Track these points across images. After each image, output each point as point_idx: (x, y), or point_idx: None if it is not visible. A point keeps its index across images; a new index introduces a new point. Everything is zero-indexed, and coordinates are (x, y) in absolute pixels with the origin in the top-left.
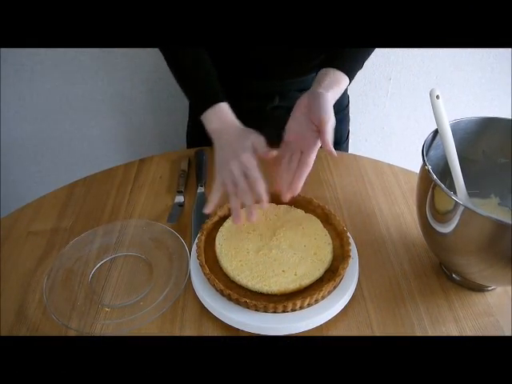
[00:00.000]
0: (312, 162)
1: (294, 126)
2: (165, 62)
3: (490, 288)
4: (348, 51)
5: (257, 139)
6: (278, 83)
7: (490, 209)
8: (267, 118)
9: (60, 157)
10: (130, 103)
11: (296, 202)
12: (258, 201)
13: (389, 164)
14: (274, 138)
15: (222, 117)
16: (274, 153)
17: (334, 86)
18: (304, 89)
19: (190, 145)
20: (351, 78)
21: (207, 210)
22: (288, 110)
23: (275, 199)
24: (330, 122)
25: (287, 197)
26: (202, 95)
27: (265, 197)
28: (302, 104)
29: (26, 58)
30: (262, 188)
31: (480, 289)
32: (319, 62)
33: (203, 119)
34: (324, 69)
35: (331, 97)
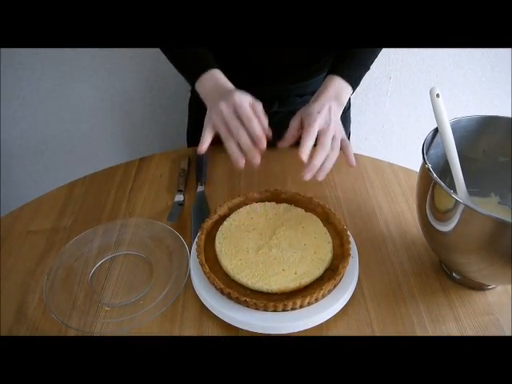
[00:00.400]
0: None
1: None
2: (164, 62)
3: (490, 287)
4: (354, 57)
5: (254, 100)
6: (278, 88)
7: (490, 207)
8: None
9: (60, 156)
10: (130, 102)
11: (296, 201)
12: (255, 141)
13: (389, 163)
14: (274, 143)
15: (215, 80)
16: (260, 106)
17: (336, 98)
18: (303, 94)
19: (190, 144)
20: (354, 86)
21: (200, 149)
22: (287, 115)
23: (275, 198)
24: (346, 141)
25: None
26: (194, 64)
27: (262, 135)
28: (296, 120)
29: (26, 58)
30: (256, 125)
31: (480, 287)
32: (319, 67)
33: (197, 88)
34: (328, 76)
35: (333, 107)
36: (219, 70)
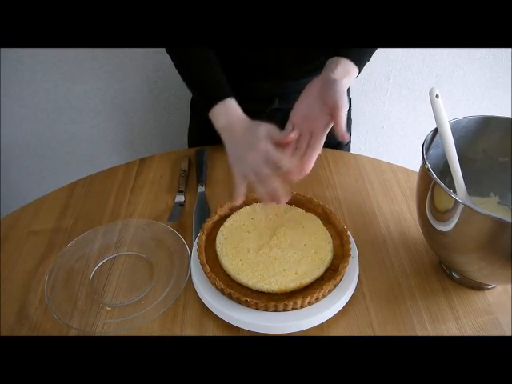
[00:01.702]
0: (321, 145)
1: (304, 108)
2: (165, 62)
3: (489, 286)
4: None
5: (269, 127)
6: (278, 85)
7: (490, 207)
8: (267, 120)
9: (60, 157)
10: (131, 103)
11: (296, 201)
12: (287, 176)
13: (388, 163)
14: None
15: (230, 112)
16: (292, 135)
17: (345, 76)
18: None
19: (191, 144)
20: (360, 68)
21: (237, 201)
22: (288, 113)
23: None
24: (345, 108)
25: (297, 177)
26: (208, 92)
27: (293, 169)
28: (314, 88)
29: (26, 58)
30: (288, 162)
31: (480, 287)
32: (320, 63)
33: (211, 116)
34: (334, 57)
35: (345, 84)
36: (233, 99)
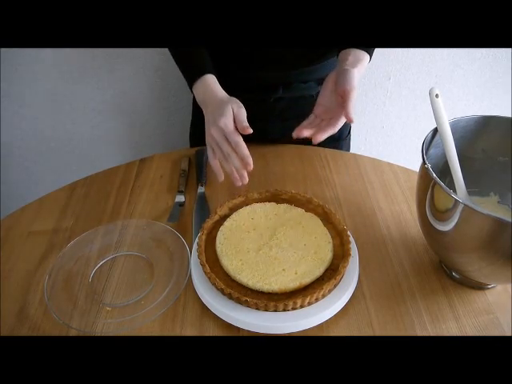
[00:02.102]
0: (338, 128)
1: (323, 101)
2: (165, 62)
3: (489, 286)
4: None
5: (237, 107)
6: (282, 74)
7: (490, 207)
8: (271, 109)
9: (60, 157)
10: (131, 103)
11: (296, 201)
12: (244, 164)
13: (388, 163)
14: (279, 128)
15: (207, 87)
16: (249, 130)
17: (357, 63)
18: (308, 80)
19: (193, 144)
20: (371, 54)
21: (218, 178)
22: (291, 102)
23: (275, 198)
24: (353, 92)
25: (304, 134)
26: (190, 69)
27: (249, 159)
28: (330, 81)
29: (26, 58)
30: (244, 150)
31: (480, 287)
32: (323, 52)
33: (193, 91)
34: (345, 50)
35: (357, 72)
36: (212, 75)
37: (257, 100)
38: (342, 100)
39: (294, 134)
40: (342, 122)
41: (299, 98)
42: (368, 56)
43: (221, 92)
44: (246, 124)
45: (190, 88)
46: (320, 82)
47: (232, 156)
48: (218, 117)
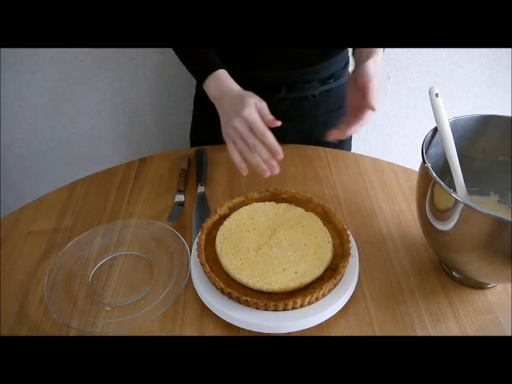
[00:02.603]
0: (365, 118)
1: (350, 99)
2: (165, 62)
3: (490, 285)
4: None
5: (258, 101)
6: (285, 74)
7: (490, 206)
8: (274, 109)
9: (60, 157)
10: (131, 103)
11: (296, 201)
12: (273, 152)
13: (388, 162)
14: (282, 128)
15: (220, 83)
16: (278, 123)
17: (371, 54)
18: (311, 80)
19: (193, 144)
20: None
21: (242, 172)
22: (295, 102)
23: (275, 198)
24: (371, 82)
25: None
26: (200, 66)
27: (278, 148)
28: (351, 80)
29: (25, 58)
30: (272, 139)
31: (480, 286)
32: (327, 52)
33: (205, 89)
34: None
35: (372, 62)
36: (224, 71)
37: None
38: (363, 93)
39: (329, 137)
40: (367, 112)
41: (302, 99)
42: (381, 49)
43: (236, 86)
44: (272, 117)
45: (200, 85)
46: (323, 81)
47: (258, 147)
48: (241, 108)
